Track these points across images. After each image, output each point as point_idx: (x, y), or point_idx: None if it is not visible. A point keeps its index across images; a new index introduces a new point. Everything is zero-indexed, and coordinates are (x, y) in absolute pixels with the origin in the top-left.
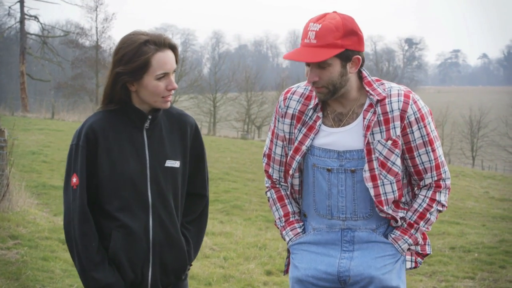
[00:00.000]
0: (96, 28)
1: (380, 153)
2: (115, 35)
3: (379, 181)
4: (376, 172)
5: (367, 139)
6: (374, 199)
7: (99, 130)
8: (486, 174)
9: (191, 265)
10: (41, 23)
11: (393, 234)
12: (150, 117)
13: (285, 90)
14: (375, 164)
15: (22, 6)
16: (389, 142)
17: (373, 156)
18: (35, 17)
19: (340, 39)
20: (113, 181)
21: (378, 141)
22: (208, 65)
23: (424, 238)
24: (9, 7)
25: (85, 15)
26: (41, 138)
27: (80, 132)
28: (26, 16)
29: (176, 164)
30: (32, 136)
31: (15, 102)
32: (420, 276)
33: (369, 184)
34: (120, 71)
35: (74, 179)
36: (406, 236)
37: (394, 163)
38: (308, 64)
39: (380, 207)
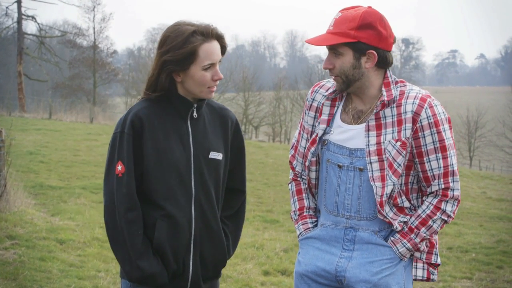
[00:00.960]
0: (94, 28)
1: (390, 153)
2: (113, 35)
3: (385, 182)
4: (385, 173)
5: (368, 139)
6: (377, 199)
7: (144, 118)
8: (483, 174)
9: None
10: (38, 23)
11: (393, 237)
12: (195, 105)
13: (316, 83)
14: (386, 164)
15: (19, 6)
16: (398, 143)
17: (383, 156)
18: (33, 17)
19: (354, 30)
20: (159, 169)
21: (389, 141)
22: None
23: (431, 247)
24: (7, 7)
25: (83, 15)
26: (39, 138)
27: (125, 120)
28: (23, 16)
29: (219, 156)
30: (30, 136)
31: (13, 102)
32: None
33: (378, 184)
34: (168, 60)
35: (119, 167)
36: (405, 240)
37: (399, 164)
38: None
39: (380, 208)
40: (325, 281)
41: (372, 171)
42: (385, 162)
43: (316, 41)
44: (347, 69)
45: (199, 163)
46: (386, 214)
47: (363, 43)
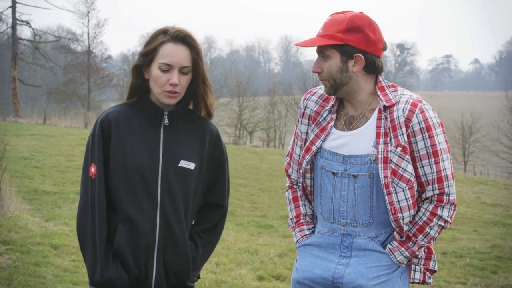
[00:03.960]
0: (88, 33)
1: (391, 160)
2: (107, 40)
3: (391, 189)
4: (389, 180)
5: (381, 146)
6: (388, 206)
7: (113, 120)
8: (478, 179)
9: (199, 277)
10: (33, 29)
11: (391, 245)
12: (166, 113)
13: (308, 91)
14: (389, 172)
15: (13, 12)
16: (399, 148)
17: (389, 165)
18: (27, 23)
19: (342, 33)
20: (123, 172)
21: (389, 149)
22: None
23: (429, 253)
24: (1, 12)
25: (77, 20)
26: (33, 143)
27: (96, 122)
28: (18, 22)
29: (190, 166)
30: (24, 141)
31: (7, 107)
32: None
33: (385, 191)
34: (140, 52)
35: (93, 169)
36: (403, 248)
37: (405, 169)
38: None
39: (394, 215)
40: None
41: (382, 178)
42: (389, 170)
43: (305, 43)
44: (335, 73)
45: (167, 171)
46: (402, 221)
47: (350, 46)
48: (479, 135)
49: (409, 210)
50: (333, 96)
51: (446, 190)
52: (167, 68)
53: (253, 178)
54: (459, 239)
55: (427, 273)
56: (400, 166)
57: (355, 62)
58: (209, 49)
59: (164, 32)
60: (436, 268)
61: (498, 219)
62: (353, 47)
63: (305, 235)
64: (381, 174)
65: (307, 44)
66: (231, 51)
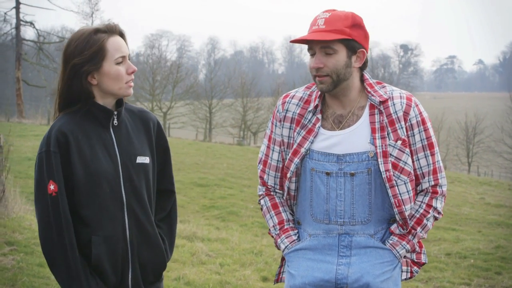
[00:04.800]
0: None
1: (391, 154)
2: None
3: (393, 182)
4: (391, 173)
5: (378, 140)
6: (392, 199)
7: (68, 132)
8: (482, 180)
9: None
10: (36, 29)
11: (391, 240)
12: (115, 113)
13: (283, 95)
14: (390, 165)
15: (17, 12)
16: (399, 142)
17: (388, 159)
18: (31, 23)
19: (349, 28)
20: (89, 182)
21: (389, 143)
22: (204, 71)
23: (420, 247)
24: (5, 13)
25: (81, 21)
26: (37, 144)
27: (48, 137)
28: (21, 22)
29: (146, 160)
30: (28, 142)
31: (11, 108)
32: (416, 282)
33: (387, 184)
34: (77, 63)
35: (52, 186)
36: (404, 242)
37: (406, 162)
38: (313, 54)
39: (399, 207)
40: None
41: (384, 171)
42: (389, 164)
43: (311, 37)
44: (340, 68)
45: (128, 170)
46: (406, 212)
47: (356, 42)
48: (483, 136)
49: (410, 203)
50: (314, 97)
51: (439, 181)
52: (121, 61)
53: (257, 179)
54: (463, 240)
55: (414, 267)
56: (400, 159)
57: (357, 58)
58: (213, 50)
59: (93, 31)
60: (426, 261)
61: (502, 220)
62: (358, 42)
63: (294, 240)
64: (382, 168)
65: (316, 37)
66: (235, 52)
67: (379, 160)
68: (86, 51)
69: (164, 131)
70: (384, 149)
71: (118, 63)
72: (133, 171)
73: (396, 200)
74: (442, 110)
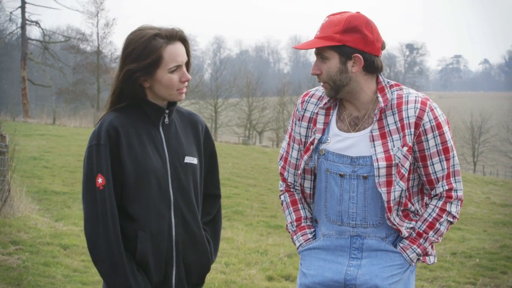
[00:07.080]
0: (97, 33)
1: (399, 159)
2: (116, 40)
3: (392, 187)
4: (393, 178)
5: (374, 149)
6: (385, 205)
7: (119, 127)
8: (487, 179)
9: None
10: (42, 29)
11: (402, 243)
12: (167, 111)
13: (304, 93)
14: (394, 170)
15: (23, 12)
16: (405, 148)
17: (393, 162)
18: (36, 23)
19: (339, 34)
20: (138, 178)
21: (398, 148)
22: (210, 70)
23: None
24: (11, 13)
25: (86, 20)
26: (43, 143)
27: (99, 131)
28: (27, 22)
29: (194, 160)
30: (34, 141)
31: (17, 107)
32: (422, 282)
33: (384, 189)
34: (132, 68)
35: (100, 180)
36: (415, 246)
37: (406, 169)
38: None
39: (388, 214)
40: None
41: (379, 176)
42: (393, 168)
43: (302, 46)
44: (334, 74)
45: (176, 169)
46: (393, 220)
47: (348, 47)
48: (489, 135)
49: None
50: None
51: (454, 185)
52: (176, 69)
53: (263, 178)
54: (469, 240)
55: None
56: (403, 166)
57: (354, 63)
58: (218, 49)
59: (153, 36)
60: (434, 261)
61: (508, 219)
62: (351, 47)
63: (309, 239)
64: (383, 172)
65: (305, 46)
66: (241, 51)
67: (374, 164)
68: (142, 59)
69: (211, 135)
70: (384, 155)
71: (171, 72)
72: (181, 171)
73: (387, 207)
74: (447, 110)
